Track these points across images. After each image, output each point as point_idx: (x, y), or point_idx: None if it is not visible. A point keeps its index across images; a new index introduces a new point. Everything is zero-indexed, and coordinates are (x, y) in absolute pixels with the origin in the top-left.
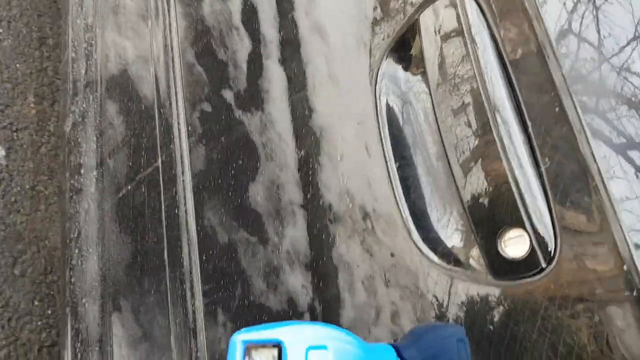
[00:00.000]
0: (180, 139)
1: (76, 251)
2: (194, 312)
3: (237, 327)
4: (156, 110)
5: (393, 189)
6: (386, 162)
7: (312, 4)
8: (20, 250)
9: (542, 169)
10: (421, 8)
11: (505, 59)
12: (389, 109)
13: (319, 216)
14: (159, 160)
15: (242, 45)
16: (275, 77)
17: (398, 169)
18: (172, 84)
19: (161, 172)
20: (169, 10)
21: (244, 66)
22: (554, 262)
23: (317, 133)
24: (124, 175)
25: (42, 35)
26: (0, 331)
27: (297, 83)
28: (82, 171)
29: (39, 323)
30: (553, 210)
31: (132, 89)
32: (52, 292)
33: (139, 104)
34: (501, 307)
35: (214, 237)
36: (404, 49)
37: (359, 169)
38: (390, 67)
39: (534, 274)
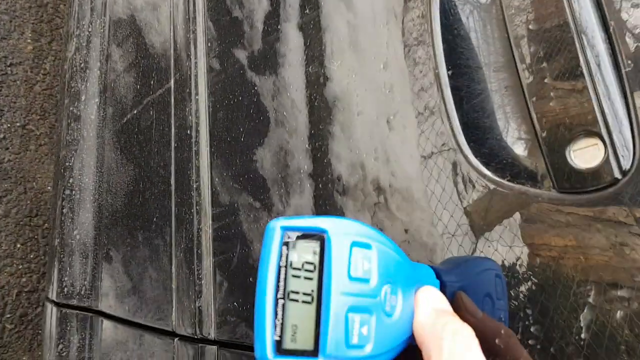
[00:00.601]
0: (196, 55)
1: (70, 181)
2: (199, 236)
3: (245, 251)
4: (171, 29)
5: (443, 100)
6: (436, 69)
7: None
8: (5, 189)
9: (623, 72)
10: None
11: None
12: (444, 9)
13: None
14: (172, 81)
15: (259, 6)
16: (292, 41)
17: (450, 77)
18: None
19: (173, 93)
20: None
21: (260, 27)
22: (630, 173)
23: (331, 102)
24: (130, 100)
25: None
26: None
27: (315, 49)
28: (82, 98)
29: (20, 267)
30: (633, 118)
31: (145, 12)
32: (36, 237)
33: (152, 26)
34: (564, 223)
35: (227, 157)
36: None
37: (377, 143)
38: None
39: (607, 186)
